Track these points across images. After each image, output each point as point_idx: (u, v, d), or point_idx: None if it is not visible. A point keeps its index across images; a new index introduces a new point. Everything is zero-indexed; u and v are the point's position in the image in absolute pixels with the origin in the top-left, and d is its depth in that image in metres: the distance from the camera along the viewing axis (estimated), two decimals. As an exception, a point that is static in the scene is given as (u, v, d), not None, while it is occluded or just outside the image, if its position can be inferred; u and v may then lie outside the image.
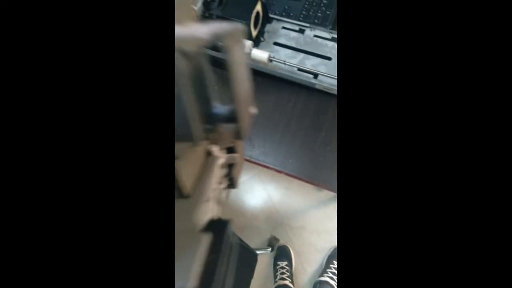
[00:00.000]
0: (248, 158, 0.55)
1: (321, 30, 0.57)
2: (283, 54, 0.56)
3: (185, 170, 0.20)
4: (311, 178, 0.52)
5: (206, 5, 0.54)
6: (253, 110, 0.19)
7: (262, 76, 0.58)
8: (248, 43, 0.53)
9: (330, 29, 0.56)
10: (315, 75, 0.54)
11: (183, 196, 0.20)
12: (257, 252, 0.99)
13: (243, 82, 0.16)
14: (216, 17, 0.52)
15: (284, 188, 1.11)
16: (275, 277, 0.95)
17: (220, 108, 0.18)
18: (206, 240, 0.18)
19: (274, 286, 0.93)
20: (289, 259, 0.97)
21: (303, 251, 1.00)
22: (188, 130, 0.15)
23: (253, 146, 0.55)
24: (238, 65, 0.15)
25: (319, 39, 0.57)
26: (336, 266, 0.92)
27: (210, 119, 0.17)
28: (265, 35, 0.58)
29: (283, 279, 0.93)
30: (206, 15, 0.53)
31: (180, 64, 0.14)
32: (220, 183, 0.25)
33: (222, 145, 0.24)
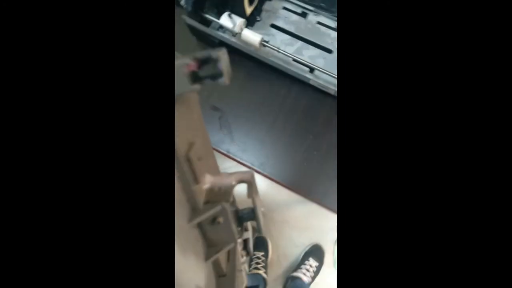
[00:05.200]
0: (225, 153, 0.50)
1: (326, 16, 0.50)
2: (279, 39, 0.49)
3: (223, 257, 0.31)
4: (290, 183, 0.47)
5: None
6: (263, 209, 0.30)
7: (253, 61, 0.51)
8: (240, 21, 0.46)
9: (336, 16, 0.48)
10: (311, 69, 0.47)
11: (223, 275, 0.30)
12: (235, 239, 0.98)
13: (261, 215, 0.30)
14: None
15: (271, 178, 1.07)
16: (250, 265, 0.95)
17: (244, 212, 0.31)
18: None
19: (248, 274, 0.93)
20: (266, 250, 0.96)
21: (281, 245, 0.99)
22: (230, 236, 0.28)
23: (232, 139, 0.50)
24: (259, 207, 0.29)
25: (322, 27, 0.49)
26: (311, 263, 0.91)
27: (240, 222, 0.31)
28: (263, 14, 0.51)
29: (258, 268, 0.92)
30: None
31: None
32: (242, 256, 0.37)
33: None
